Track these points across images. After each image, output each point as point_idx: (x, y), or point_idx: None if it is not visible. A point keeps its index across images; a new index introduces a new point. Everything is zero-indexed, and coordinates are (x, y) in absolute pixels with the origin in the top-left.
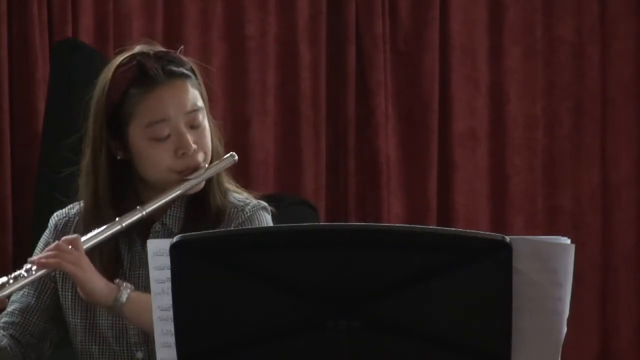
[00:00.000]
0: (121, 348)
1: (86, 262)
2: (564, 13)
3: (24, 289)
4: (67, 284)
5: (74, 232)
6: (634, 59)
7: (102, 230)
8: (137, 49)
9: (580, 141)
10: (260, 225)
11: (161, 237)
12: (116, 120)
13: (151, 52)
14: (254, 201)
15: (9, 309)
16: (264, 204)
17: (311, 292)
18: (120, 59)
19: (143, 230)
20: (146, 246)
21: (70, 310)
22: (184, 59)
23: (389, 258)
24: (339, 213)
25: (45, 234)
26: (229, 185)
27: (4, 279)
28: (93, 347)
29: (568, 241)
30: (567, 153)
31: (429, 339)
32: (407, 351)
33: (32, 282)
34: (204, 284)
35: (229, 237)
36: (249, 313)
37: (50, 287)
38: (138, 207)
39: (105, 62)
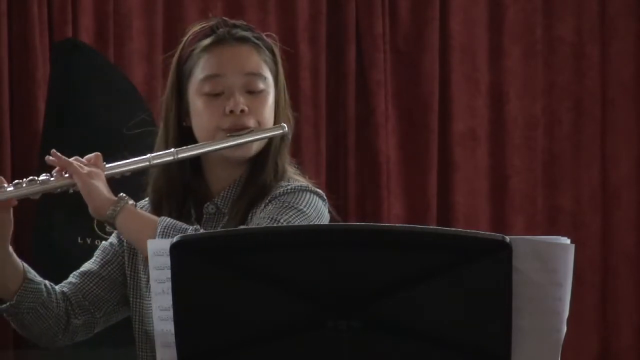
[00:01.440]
0: None
1: (98, 174)
2: (564, 13)
3: (93, 258)
4: (136, 264)
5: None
6: (634, 59)
7: (129, 162)
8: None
9: (580, 141)
10: (298, 201)
11: (213, 218)
12: (181, 81)
13: (229, 21)
14: (307, 184)
15: (75, 272)
16: (318, 190)
17: (311, 292)
18: (198, 26)
19: (198, 208)
20: (197, 222)
21: (132, 290)
22: (264, 36)
23: (389, 258)
24: (339, 213)
25: None
26: (296, 175)
27: (19, 181)
28: (149, 328)
29: (568, 241)
30: (567, 153)
31: (429, 339)
32: (407, 351)
33: (43, 191)
34: (204, 284)
35: (229, 237)
36: (249, 313)
37: (117, 261)
38: (173, 149)
39: (105, 62)
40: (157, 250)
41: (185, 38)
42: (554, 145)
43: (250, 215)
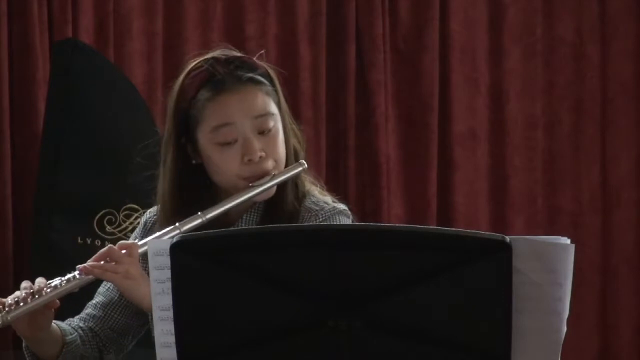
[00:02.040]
0: None
1: (135, 270)
2: (564, 13)
3: (109, 284)
4: None
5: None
6: (634, 59)
7: (161, 234)
8: (211, 54)
9: (580, 141)
10: None
11: None
12: (187, 125)
13: (223, 57)
14: (331, 204)
15: (94, 301)
16: (343, 207)
17: (311, 292)
18: (193, 63)
19: None
20: None
21: None
22: (260, 64)
23: (389, 258)
24: None
25: (136, 230)
26: (314, 187)
27: (57, 280)
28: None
29: (568, 241)
30: (567, 153)
31: (429, 339)
32: (407, 351)
33: (80, 286)
34: (204, 284)
35: (229, 237)
36: (249, 313)
37: None
38: (200, 212)
39: (106, 62)
40: (157, 250)
41: (181, 79)
42: (554, 145)
43: None
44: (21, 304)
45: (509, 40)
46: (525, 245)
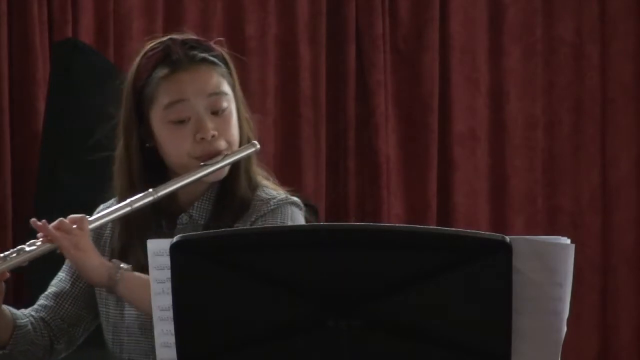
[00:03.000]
0: (148, 340)
1: (85, 242)
2: (564, 13)
3: (61, 275)
4: None
5: (113, 227)
6: (634, 59)
7: (111, 211)
8: (167, 36)
9: (580, 141)
10: (284, 219)
11: (188, 229)
12: (141, 105)
13: (179, 38)
14: (283, 195)
15: (46, 292)
16: (295, 199)
17: (311, 292)
18: (149, 45)
19: (171, 220)
20: (169, 231)
21: (102, 300)
22: (216, 47)
23: (389, 258)
24: (339, 213)
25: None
26: (266, 181)
27: (7, 252)
28: (123, 337)
29: (568, 241)
30: (567, 153)
31: (429, 339)
32: (407, 351)
33: (31, 259)
34: (204, 284)
35: (229, 237)
36: (249, 313)
37: None
38: (151, 189)
39: (106, 62)
40: (157, 250)
41: (138, 59)
42: (554, 145)
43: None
44: None
45: (509, 40)
46: (525, 245)
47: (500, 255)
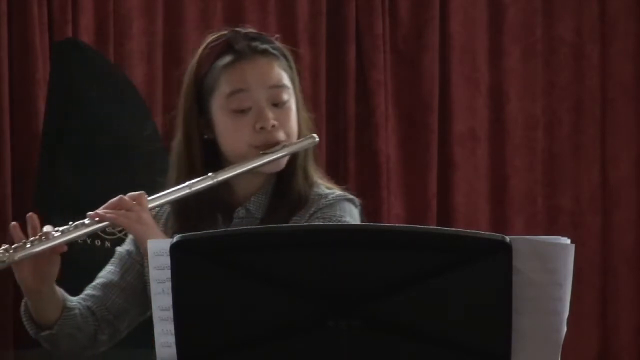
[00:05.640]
0: None
1: (147, 216)
2: (564, 13)
3: (110, 267)
4: None
5: (166, 221)
6: (634, 59)
7: (170, 192)
8: (230, 29)
9: (580, 141)
10: (342, 214)
11: (244, 223)
12: (202, 96)
13: (242, 30)
14: (340, 192)
15: (93, 283)
16: (352, 197)
17: (311, 292)
18: (211, 37)
19: (227, 214)
20: (225, 226)
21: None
22: (278, 43)
23: (389, 258)
24: None
25: None
26: (321, 181)
27: (66, 226)
28: None
29: (568, 241)
30: (567, 153)
31: (429, 339)
32: (407, 351)
33: (88, 234)
34: (204, 284)
35: (229, 237)
36: (249, 313)
37: (135, 269)
38: (210, 173)
39: (106, 62)
40: (157, 250)
41: (200, 50)
42: (554, 145)
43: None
44: (28, 245)
45: (509, 40)
46: (525, 245)
47: (500, 255)
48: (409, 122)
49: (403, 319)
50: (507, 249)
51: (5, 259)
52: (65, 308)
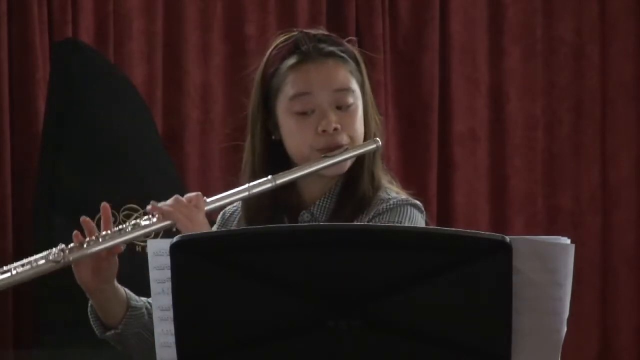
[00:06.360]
0: None
1: (201, 217)
2: (564, 13)
3: None
4: None
5: (238, 223)
6: (634, 59)
7: (228, 194)
8: (299, 30)
9: (580, 141)
10: (402, 219)
11: None
12: (269, 97)
13: (311, 31)
14: (404, 196)
15: None
16: (416, 202)
17: (311, 292)
18: (280, 38)
19: (293, 217)
20: None
21: None
22: (347, 45)
23: (389, 258)
24: None
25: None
26: (389, 185)
27: (123, 226)
28: None
29: (568, 241)
30: (567, 153)
31: (429, 339)
32: (407, 351)
33: (147, 234)
34: (204, 284)
35: (229, 237)
36: (249, 313)
37: None
38: (270, 176)
39: (106, 62)
40: (157, 250)
41: (268, 51)
42: (554, 145)
43: None
44: (85, 245)
45: (509, 40)
46: (525, 245)
47: (500, 255)
48: (409, 122)
49: (403, 319)
50: (507, 249)
51: (60, 259)
52: (130, 307)
